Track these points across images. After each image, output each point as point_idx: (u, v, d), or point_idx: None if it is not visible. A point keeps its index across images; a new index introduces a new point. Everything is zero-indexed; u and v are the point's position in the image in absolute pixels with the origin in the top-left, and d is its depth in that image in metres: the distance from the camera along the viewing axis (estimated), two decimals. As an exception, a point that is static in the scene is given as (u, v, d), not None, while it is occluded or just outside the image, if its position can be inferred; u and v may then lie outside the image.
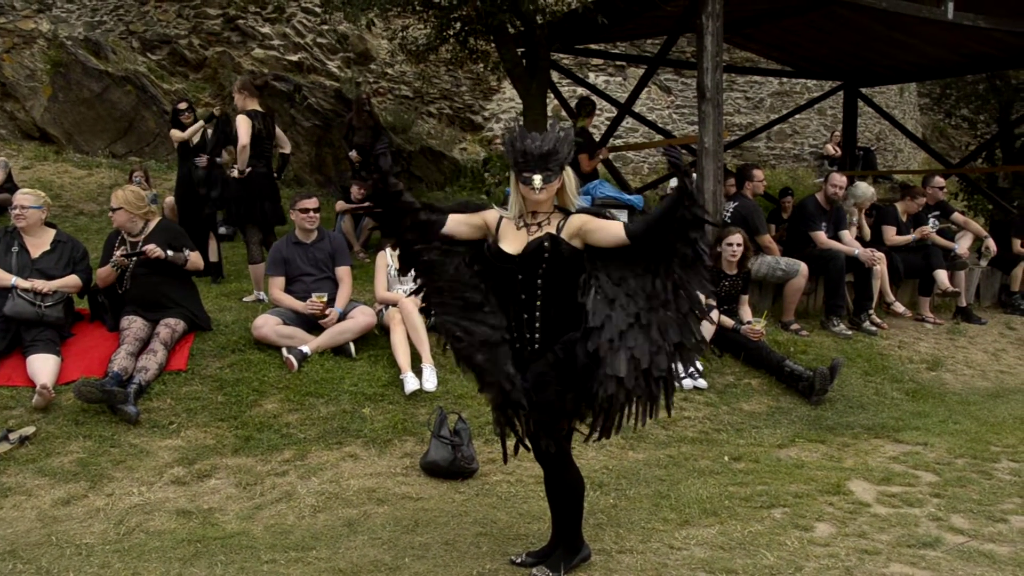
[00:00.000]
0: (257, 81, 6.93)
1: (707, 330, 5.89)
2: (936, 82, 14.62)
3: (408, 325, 5.45)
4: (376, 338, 5.76)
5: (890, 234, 8.02)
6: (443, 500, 4.15)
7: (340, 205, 9.01)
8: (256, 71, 11.37)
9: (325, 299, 5.62)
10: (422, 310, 3.39)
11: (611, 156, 9.93)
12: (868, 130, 15.84)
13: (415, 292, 3.40)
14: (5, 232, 5.33)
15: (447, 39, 8.76)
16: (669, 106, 15.06)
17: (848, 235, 7.60)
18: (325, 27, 12.26)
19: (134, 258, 5.31)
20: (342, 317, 5.68)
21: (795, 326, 7.09)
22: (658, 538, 3.62)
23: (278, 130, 7.26)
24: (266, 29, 12.54)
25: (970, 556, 3.44)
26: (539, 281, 3.04)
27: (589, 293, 3.02)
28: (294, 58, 12.55)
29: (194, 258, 5.54)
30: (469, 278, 3.18)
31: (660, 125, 12.62)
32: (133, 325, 5.22)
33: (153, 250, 5.25)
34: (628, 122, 12.25)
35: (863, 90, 11.81)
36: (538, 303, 3.06)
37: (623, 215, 7.03)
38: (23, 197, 5.32)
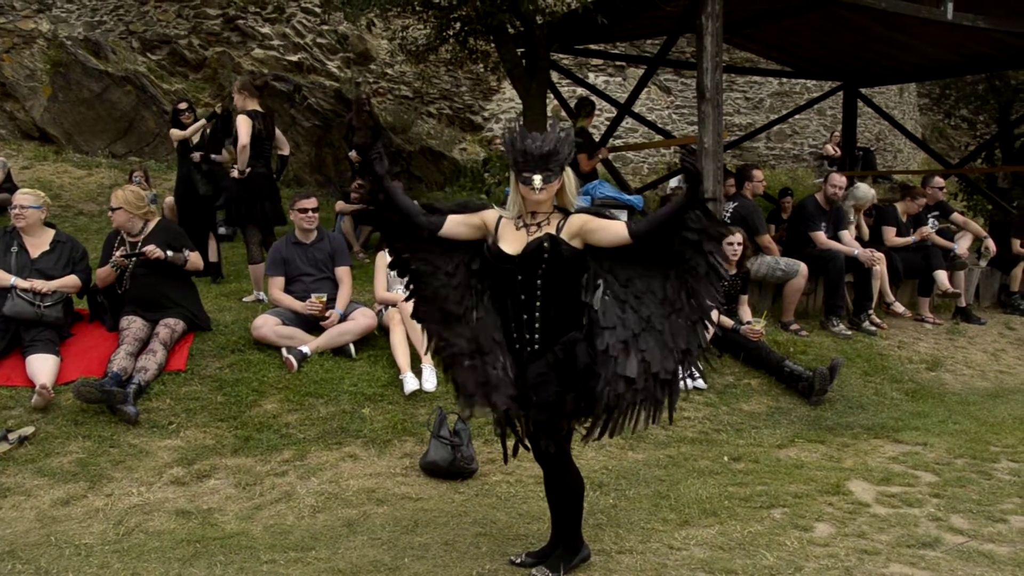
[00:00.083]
0: (257, 81, 6.93)
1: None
2: (936, 82, 14.64)
3: (408, 325, 5.45)
4: (376, 338, 5.76)
5: (890, 235, 8.02)
6: (443, 500, 4.15)
7: (340, 205, 9.01)
8: (256, 71, 11.37)
9: (325, 299, 5.62)
10: (413, 315, 3.40)
11: (611, 156, 9.93)
12: (868, 130, 15.85)
13: (407, 298, 3.41)
14: (4, 232, 5.33)
15: (447, 39, 8.76)
16: (669, 106, 15.06)
17: (848, 235, 7.60)
18: (325, 27, 12.26)
19: (133, 259, 5.31)
20: (343, 318, 5.68)
21: (795, 326, 7.09)
22: (658, 538, 3.62)
23: (277, 132, 7.26)
24: (266, 29, 12.54)
25: (969, 556, 3.44)
26: (538, 282, 3.04)
27: (596, 293, 3.01)
28: (294, 58, 12.55)
29: (194, 258, 5.54)
30: (453, 290, 3.18)
31: (660, 125, 12.62)
32: (132, 325, 5.21)
33: (153, 251, 5.25)
34: (628, 122, 12.24)
35: (863, 90, 11.81)
36: (537, 304, 3.06)
37: (623, 215, 7.03)
38: (23, 197, 5.32)
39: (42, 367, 4.85)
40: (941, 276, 7.88)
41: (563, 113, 10.19)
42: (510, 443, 3.24)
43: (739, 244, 6.38)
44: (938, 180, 8.78)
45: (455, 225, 3.20)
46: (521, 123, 3.07)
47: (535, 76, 8.45)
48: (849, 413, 5.84)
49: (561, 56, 11.22)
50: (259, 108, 6.75)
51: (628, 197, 8.06)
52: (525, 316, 3.07)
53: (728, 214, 7.22)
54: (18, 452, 4.40)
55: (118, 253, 5.35)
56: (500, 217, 3.16)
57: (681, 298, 2.99)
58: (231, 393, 5.05)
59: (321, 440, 4.73)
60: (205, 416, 4.85)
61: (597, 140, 9.35)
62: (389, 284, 5.90)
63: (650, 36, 11.36)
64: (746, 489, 4.25)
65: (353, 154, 9.79)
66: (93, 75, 11.36)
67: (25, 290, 5.05)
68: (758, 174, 7.67)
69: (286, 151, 7.64)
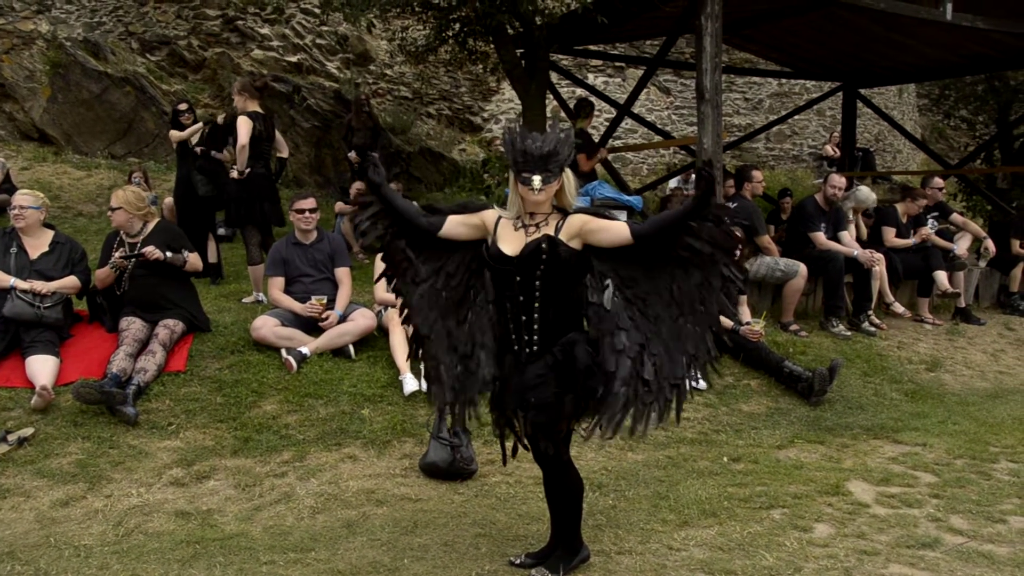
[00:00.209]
0: (257, 83, 6.93)
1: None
2: (935, 83, 14.65)
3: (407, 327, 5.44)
4: (375, 339, 5.76)
5: (890, 235, 8.02)
6: (442, 501, 4.15)
7: (339, 206, 9.01)
8: (255, 72, 11.37)
9: (325, 301, 5.62)
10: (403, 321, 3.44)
11: (610, 157, 9.93)
12: (867, 131, 15.86)
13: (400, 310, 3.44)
14: (4, 233, 5.33)
15: (446, 40, 8.76)
16: (668, 107, 15.07)
17: (847, 236, 7.60)
18: (324, 28, 12.26)
19: (132, 260, 5.31)
20: (342, 319, 5.68)
21: (794, 327, 7.09)
22: (657, 539, 3.62)
23: (277, 134, 7.26)
24: (265, 30, 12.54)
25: (969, 557, 3.44)
26: (537, 283, 3.04)
27: (606, 293, 3.02)
28: (293, 59, 12.55)
29: (193, 259, 5.54)
30: (452, 290, 3.22)
31: (659, 126, 12.63)
32: (132, 326, 5.21)
33: (152, 252, 5.25)
34: (627, 123, 12.26)
35: (862, 91, 11.82)
36: (536, 305, 3.05)
37: (622, 216, 7.03)
38: (22, 198, 5.32)
39: (42, 368, 4.84)
40: (940, 277, 7.88)
41: (562, 114, 10.20)
42: (509, 444, 3.24)
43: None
44: (937, 181, 8.79)
45: (454, 225, 3.20)
46: (521, 123, 3.07)
47: (534, 77, 8.45)
48: (848, 414, 5.84)
49: (560, 57, 11.22)
50: (259, 109, 6.76)
51: (627, 198, 8.07)
52: (524, 317, 3.07)
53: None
54: (17, 453, 4.40)
55: (117, 254, 5.35)
56: (499, 217, 3.16)
57: (690, 303, 3.01)
58: (230, 394, 5.05)
59: (320, 441, 4.73)
60: (204, 417, 4.85)
61: (596, 141, 9.36)
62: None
63: (649, 37, 11.37)
64: (745, 490, 4.25)
65: (352, 155, 9.79)
66: (92, 76, 11.36)
67: (25, 291, 5.04)
68: (757, 175, 7.67)
69: (285, 153, 7.65)
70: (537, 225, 3.06)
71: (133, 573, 3.32)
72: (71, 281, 5.29)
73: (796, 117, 13.85)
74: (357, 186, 8.76)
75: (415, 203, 3.45)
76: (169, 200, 8.14)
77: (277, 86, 11.32)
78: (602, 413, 2.98)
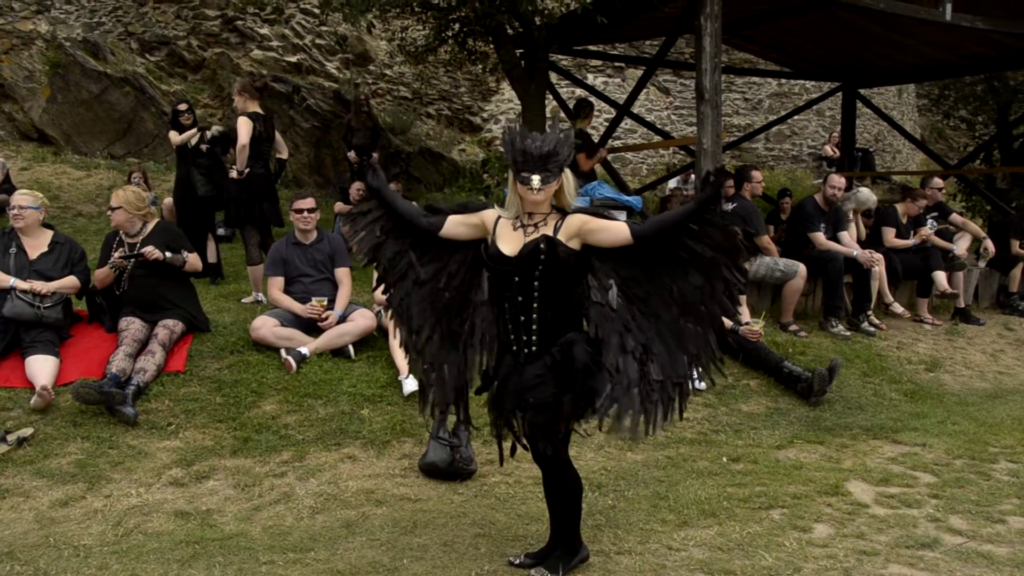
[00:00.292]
0: (257, 83, 6.94)
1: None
2: (934, 83, 14.66)
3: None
4: (375, 339, 5.76)
5: (889, 235, 8.02)
6: (442, 501, 4.15)
7: (339, 206, 9.01)
8: (255, 72, 11.37)
9: (325, 303, 5.62)
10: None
11: (609, 157, 9.93)
12: (867, 131, 15.86)
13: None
14: (3, 233, 5.32)
15: (446, 40, 8.76)
16: (668, 107, 15.07)
17: (847, 236, 7.60)
18: (324, 28, 12.26)
19: (132, 260, 5.30)
20: (342, 319, 5.68)
21: (794, 327, 7.09)
22: (656, 539, 3.62)
23: (277, 135, 7.27)
24: (264, 30, 12.54)
25: (968, 557, 3.44)
26: (535, 283, 3.04)
27: (610, 292, 3.02)
28: (293, 59, 12.55)
29: (192, 259, 5.54)
30: (431, 310, 3.24)
31: (659, 126, 12.63)
32: (131, 326, 5.21)
33: (152, 252, 5.25)
34: (627, 123, 12.26)
35: (861, 91, 11.82)
36: (535, 305, 3.06)
37: (621, 216, 7.03)
38: (21, 198, 5.32)
39: (42, 368, 4.84)
40: (940, 277, 7.88)
41: (562, 114, 10.21)
42: (507, 444, 3.24)
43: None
44: (937, 181, 8.79)
45: (454, 225, 3.21)
46: (520, 123, 3.07)
47: (534, 77, 8.45)
48: (848, 414, 5.84)
49: (560, 57, 11.23)
50: (259, 110, 6.76)
51: (627, 198, 8.07)
52: (522, 317, 3.07)
53: (727, 215, 7.22)
54: (17, 453, 4.40)
55: (116, 254, 5.35)
56: (499, 217, 3.16)
57: (691, 303, 3.02)
58: (230, 394, 5.05)
59: (320, 441, 4.73)
60: (204, 417, 4.85)
61: (596, 141, 9.36)
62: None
63: (649, 37, 11.37)
64: (745, 490, 4.25)
65: (352, 155, 9.80)
66: (92, 76, 11.35)
67: (24, 291, 5.04)
68: (757, 175, 7.68)
69: (284, 154, 7.65)
70: (536, 225, 3.06)
71: (132, 573, 3.32)
72: (71, 281, 5.29)
73: (796, 117, 13.85)
74: (357, 186, 8.77)
75: (414, 203, 3.46)
76: (168, 200, 8.14)
77: (277, 86, 11.33)
78: (620, 411, 2.96)
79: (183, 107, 7.88)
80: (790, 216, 8.19)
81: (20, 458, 4.37)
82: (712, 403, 5.72)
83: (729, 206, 7.35)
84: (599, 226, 3.04)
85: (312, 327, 5.61)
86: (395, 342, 5.40)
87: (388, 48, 12.90)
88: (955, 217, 8.82)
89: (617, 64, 13.76)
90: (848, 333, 7.23)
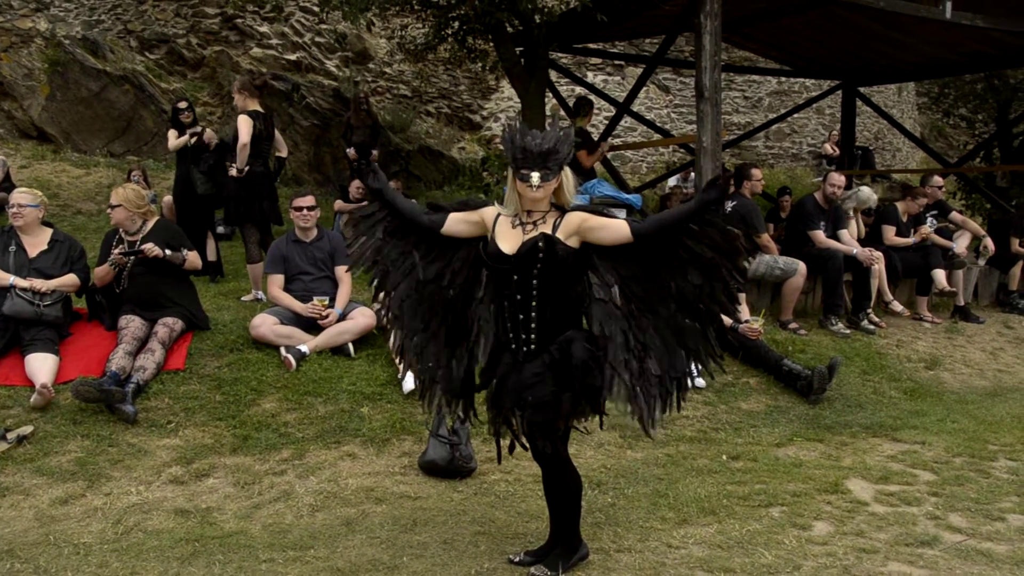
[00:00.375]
0: (257, 81, 6.93)
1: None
2: (934, 81, 14.64)
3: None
4: (375, 337, 5.76)
5: (889, 234, 8.02)
6: (441, 499, 4.15)
7: (339, 204, 9.02)
8: (255, 70, 11.36)
9: (327, 302, 5.62)
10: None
11: (609, 155, 9.93)
12: (866, 129, 15.86)
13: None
14: (2, 231, 5.32)
15: (445, 38, 8.75)
16: (667, 105, 15.07)
17: (847, 234, 7.60)
18: (323, 26, 12.25)
19: (132, 257, 5.30)
20: (341, 317, 5.68)
21: (793, 325, 7.09)
22: (656, 537, 3.62)
23: (276, 133, 7.27)
24: (264, 28, 12.54)
25: (968, 555, 3.44)
26: (534, 281, 3.04)
27: (613, 290, 3.02)
28: (292, 57, 12.55)
29: (192, 257, 5.53)
30: (433, 309, 3.26)
31: (658, 124, 12.63)
32: (131, 324, 5.21)
33: (151, 248, 5.24)
34: (626, 121, 12.26)
35: (861, 89, 11.82)
36: (533, 303, 3.05)
37: (621, 214, 7.03)
38: (20, 196, 5.31)
39: (42, 366, 4.84)
40: (939, 275, 7.88)
41: (562, 112, 10.21)
42: (506, 442, 3.24)
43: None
44: (937, 179, 8.78)
45: (455, 223, 3.21)
46: (521, 120, 3.09)
47: (534, 75, 8.45)
48: (848, 412, 5.84)
49: (560, 55, 11.23)
50: (259, 108, 6.76)
51: (627, 196, 8.05)
52: (521, 316, 3.07)
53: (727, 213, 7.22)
54: (17, 451, 4.39)
55: (116, 251, 5.34)
56: (498, 215, 3.16)
57: (690, 302, 3.04)
58: (230, 392, 5.05)
59: (320, 439, 4.73)
60: (204, 415, 4.85)
61: (596, 139, 9.35)
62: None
63: (649, 35, 11.37)
64: (744, 488, 4.25)
65: (351, 152, 9.80)
66: (91, 74, 11.35)
67: (24, 289, 5.04)
68: (757, 173, 7.66)
69: (284, 152, 7.65)
70: (535, 223, 3.06)
71: (132, 571, 3.32)
72: (70, 279, 5.29)
73: (795, 115, 13.85)
74: (356, 184, 8.77)
75: (413, 201, 3.47)
76: (168, 198, 8.14)
77: (276, 84, 11.32)
78: (618, 403, 3.01)
79: (183, 105, 7.88)
80: (790, 214, 8.18)
81: (20, 456, 4.37)
82: (712, 401, 5.72)
83: (729, 204, 7.35)
84: (599, 224, 3.04)
85: (312, 325, 5.61)
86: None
87: (388, 46, 12.90)
88: (955, 215, 8.82)
89: (617, 62, 13.76)
90: (848, 331, 7.23)
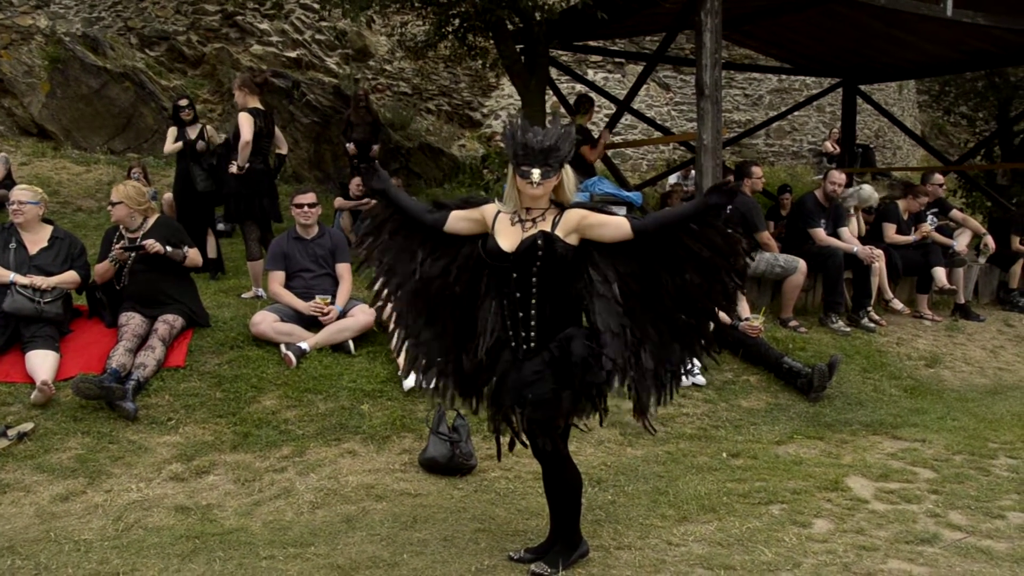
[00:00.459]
0: (257, 78, 6.93)
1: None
2: (935, 79, 14.63)
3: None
4: (375, 334, 5.76)
5: (890, 231, 8.02)
6: (441, 496, 4.15)
7: (339, 202, 9.01)
8: (255, 68, 11.34)
9: (329, 300, 5.62)
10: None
11: (610, 153, 9.93)
12: (867, 127, 15.85)
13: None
14: (2, 228, 5.32)
15: (446, 36, 8.75)
16: (668, 103, 15.06)
17: (847, 232, 7.60)
18: (323, 23, 12.26)
19: (133, 252, 5.29)
20: (342, 315, 5.68)
21: (794, 323, 7.09)
22: (656, 534, 3.62)
23: (276, 130, 7.27)
24: (264, 25, 12.53)
25: (968, 552, 3.45)
26: (533, 279, 3.04)
27: (614, 287, 3.03)
28: (292, 54, 12.54)
29: (193, 254, 5.53)
30: (440, 307, 3.28)
31: (659, 122, 12.62)
32: (131, 321, 5.21)
33: (153, 244, 5.24)
34: (627, 119, 12.25)
35: (862, 87, 11.81)
36: (533, 301, 3.06)
37: (621, 211, 7.02)
38: (20, 193, 5.31)
39: (42, 363, 4.84)
40: (939, 273, 7.88)
41: (562, 110, 10.20)
42: (505, 440, 3.25)
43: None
44: (937, 177, 8.79)
45: (456, 221, 3.22)
46: (523, 114, 3.10)
47: (534, 73, 8.44)
48: (848, 410, 5.84)
49: (560, 52, 11.21)
50: (260, 105, 6.76)
51: (627, 193, 8.05)
52: (521, 313, 3.07)
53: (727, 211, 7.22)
54: (17, 448, 4.40)
55: (118, 247, 5.34)
56: (498, 212, 3.16)
57: (687, 300, 3.06)
58: (230, 389, 5.05)
59: (320, 436, 4.73)
60: (204, 412, 4.85)
61: (596, 138, 9.35)
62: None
63: (649, 33, 11.35)
64: (745, 485, 4.26)
65: (351, 146, 9.80)
66: (91, 71, 11.34)
67: (24, 286, 5.04)
68: (757, 171, 7.67)
69: (284, 150, 7.65)
70: (533, 220, 3.06)
71: (133, 568, 3.33)
72: (70, 276, 5.29)
73: (796, 113, 13.84)
74: (356, 181, 8.77)
75: (413, 198, 3.47)
76: (168, 195, 8.14)
77: (276, 82, 11.31)
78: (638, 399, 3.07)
79: (184, 103, 7.88)
80: (790, 212, 8.18)
81: (21, 453, 4.37)
82: (712, 398, 5.72)
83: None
84: (599, 221, 3.04)
85: (312, 322, 5.61)
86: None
87: (388, 43, 12.90)
88: (955, 213, 8.82)
89: (617, 60, 13.75)
90: (848, 329, 7.23)
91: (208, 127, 7.83)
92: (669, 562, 3.35)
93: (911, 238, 8.02)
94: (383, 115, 11.53)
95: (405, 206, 3.28)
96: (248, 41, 12.50)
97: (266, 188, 6.77)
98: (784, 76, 14.66)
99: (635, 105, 10.32)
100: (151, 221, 5.48)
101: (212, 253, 7.43)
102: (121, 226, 5.44)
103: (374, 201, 3.42)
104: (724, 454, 4.82)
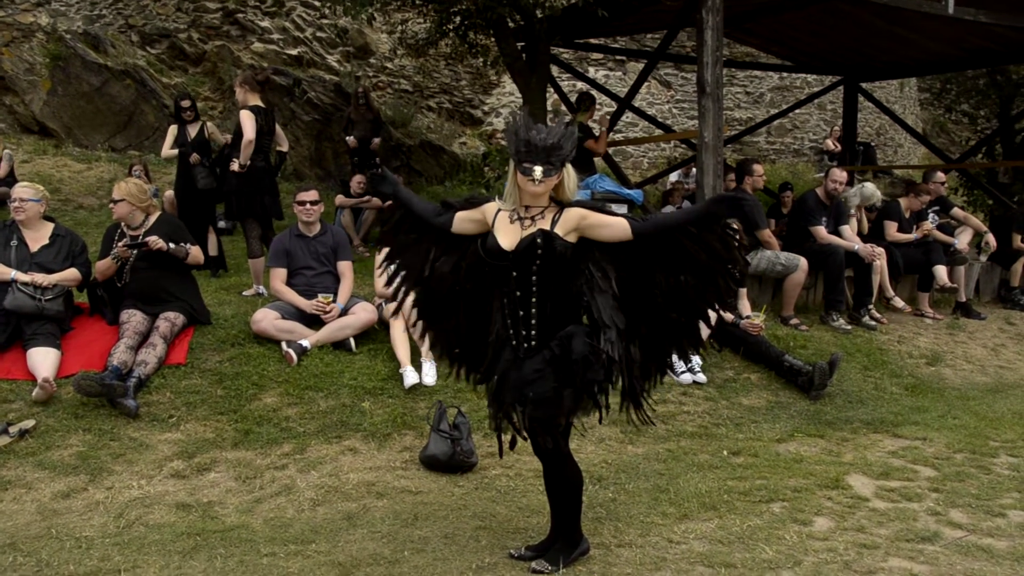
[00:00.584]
0: (259, 76, 6.93)
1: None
2: (936, 77, 14.62)
3: (408, 320, 5.45)
4: (376, 332, 5.77)
5: (891, 229, 8.01)
6: (442, 494, 4.16)
7: (340, 199, 9.01)
8: (256, 65, 11.35)
9: (331, 298, 5.63)
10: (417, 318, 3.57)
11: (611, 151, 9.92)
12: (868, 125, 15.84)
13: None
14: (4, 226, 5.32)
15: (447, 33, 8.74)
16: (669, 101, 15.05)
17: (848, 230, 7.60)
18: (324, 21, 12.25)
19: (135, 249, 5.29)
20: (343, 312, 5.68)
21: (794, 321, 7.09)
22: (657, 532, 3.63)
23: (277, 128, 7.27)
24: (265, 23, 12.52)
25: (968, 550, 3.45)
26: (533, 277, 3.04)
27: (611, 282, 3.04)
28: (293, 52, 12.53)
29: (195, 252, 5.53)
30: (453, 303, 3.33)
31: (660, 120, 12.61)
32: (132, 319, 5.21)
33: (155, 241, 5.24)
34: (628, 117, 12.23)
35: (863, 85, 11.79)
36: (533, 300, 3.06)
37: (622, 209, 7.03)
38: (22, 190, 5.31)
39: (43, 360, 4.85)
40: (940, 271, 7.88)
41: (563, 107, 10.19)
42: (506, 438, 3.25)
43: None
44: (939, 175, 8.78)
45: (461, 222, 3.24)
46: (526, 113, 3.10)
47: (535, 70, 8.44)
48: (849, 408, 5.85)
49: (561, 50, 11.20)
50: (261, 103, 6.76)
51: (628, 191, 8.05)
52: (521, 312, 3.07)
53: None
54: (19, 445, 4.40)
55: (121, 244, 5.34)
56: (498, 210, 3.16)
57: (684, 300, 3.09)
58: (231, 387, 5.06)
59: (321, 434, 4.74)
60: (205, 409, 4.86)
61: (597, 136, 9.35)
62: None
63: (650, 30, 11.34)
64: (745, 483, 4.26)
65: (351, 140, 9.79)
66: (92, 69, 11.34)
67: (26, 284, 5.04)
68: (758, 168, 7.66)
69: (285, 147, 7.65)
70: (533, 218, 3.06)
71: (134, 564, 3.33)
72: (72, 273, 5.29)
73: (797, 111, 13.82)
74: (358, 179, 8.76)
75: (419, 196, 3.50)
76: (170, 193, 8.14)
77: (277, 79, 11.31)
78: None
79: (186, 103, 7.88)
80: (791, 210, 8.17)
81: (22, 450, 4.38)
82: (713, 396, 5.72)
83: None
84: (599, 221, 3.04)
85: (313, 320, 5.62)
86: (397, 335, 5.44)
87: (389, 41, 12.89)
88: (956, 211, 8.81)
89: (618, 57, 13.72)
90: (849, 327, 7.23)
91: (209, 124, 7.83)
92: (670, 560, 3.35)
93: (912, 236, 8.02)
94: (384, 113, 11.53)
95: (414, 208, 3.32)
96: (249, 39, 12.50)
97: (267, 186, 6.77)
98: (785, 74, 14.64)
99: (636, 103, 10.32)
100: (153, 218, 5.48)
101: (213, 251, 7.43)
102: (123, 224, 5.44)
103: (375, 199, 3.45)
104: (725, 452, 4.83)
